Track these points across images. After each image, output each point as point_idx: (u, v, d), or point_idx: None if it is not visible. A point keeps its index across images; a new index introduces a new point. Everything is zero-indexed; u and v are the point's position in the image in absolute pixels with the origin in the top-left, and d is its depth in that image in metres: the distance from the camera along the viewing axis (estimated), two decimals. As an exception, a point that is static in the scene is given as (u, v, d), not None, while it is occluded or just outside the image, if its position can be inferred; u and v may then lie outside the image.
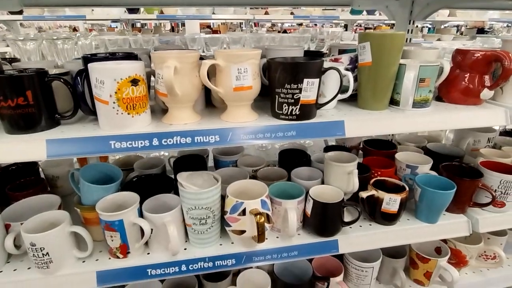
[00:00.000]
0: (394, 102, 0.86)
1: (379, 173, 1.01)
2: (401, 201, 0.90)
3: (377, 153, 1.11)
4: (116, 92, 0.67)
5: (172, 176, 1.01)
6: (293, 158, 1.09)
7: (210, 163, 1.23)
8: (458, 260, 1.09)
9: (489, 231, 0.98)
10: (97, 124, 0.75)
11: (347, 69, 0.82)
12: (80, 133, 0.70)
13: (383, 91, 0.83)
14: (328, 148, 1.20)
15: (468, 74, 0.87)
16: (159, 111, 0.88)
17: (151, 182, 1.00)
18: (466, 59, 0.86)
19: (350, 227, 0.94)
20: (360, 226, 0.95)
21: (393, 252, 1.08)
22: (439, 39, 4.06)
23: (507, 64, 0.80)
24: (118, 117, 0.70)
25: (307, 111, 0.75)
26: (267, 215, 0.83)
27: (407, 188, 0.93)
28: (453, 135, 1.36)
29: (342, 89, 0.85)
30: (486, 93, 0.85)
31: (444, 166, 1.01)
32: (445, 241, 1.10)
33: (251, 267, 1.05)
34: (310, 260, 1.05)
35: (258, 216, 0.77)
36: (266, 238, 0.91)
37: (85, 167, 0.89)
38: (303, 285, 0.96)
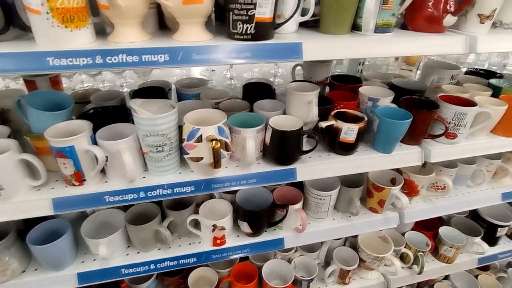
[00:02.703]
0: (356, 27, 0.83)
1: (341, 105, 1.01)
2: (359, 131, 0.92)
3: (342, 87, 1.10)
4: (48, 0, 0.60)
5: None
6: (257, 91, 1.07)
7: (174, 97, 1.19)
8: (410, 190, 1.16)
9: (440, 160, 1.03)
10: (34, 42, 0.68)
11: (309, -11, 0.77)
12: (14, 49, 0.64)
13: (345, 13, 0.79)
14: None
15: (434, -1, 0.84)
16: (106, 33, 0.81)
17: (108, 114, 0.96)
18: (433, -19, 0.82)
19: (310, 157, 0.97)
20: (319, 156, 0.98)
21: (350, 183, 1.13)
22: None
23: (473, -14, 0.77)
24: (54, 31, 0.63)
25: (263, 30, 0.71)
26: (226, 143, 0.83)
27: (366, 119, 0.94)
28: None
29: (303, 12, 0.81)
30: (449, 19, 0.83)
31: (404, 99, 1.02)
32: (401, 173, 1.16)
33: (214, 197, 1.08)
34: (272, 192, 1.08)
35: (213, 142, 0.77)
36: (226, 167, 0.92)
37: (31, 93, 0.84)
38: (263, 212, 1.01)
